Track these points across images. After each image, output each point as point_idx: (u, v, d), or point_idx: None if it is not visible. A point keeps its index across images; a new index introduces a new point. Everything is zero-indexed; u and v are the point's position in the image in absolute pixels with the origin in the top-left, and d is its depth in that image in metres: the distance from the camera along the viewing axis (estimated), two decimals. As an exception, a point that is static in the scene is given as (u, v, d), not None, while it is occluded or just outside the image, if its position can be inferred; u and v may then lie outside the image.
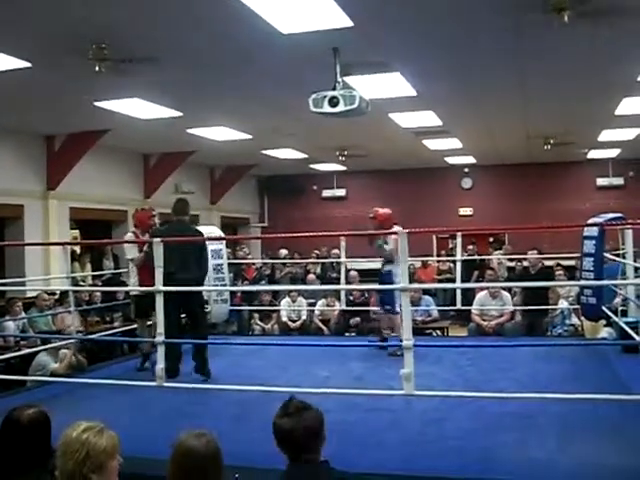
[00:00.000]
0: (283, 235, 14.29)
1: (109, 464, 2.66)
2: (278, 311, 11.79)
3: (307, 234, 7.50)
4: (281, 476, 2.85)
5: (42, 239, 11.92)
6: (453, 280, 12.92)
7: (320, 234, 13.08)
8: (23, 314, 9.49)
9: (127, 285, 7.92)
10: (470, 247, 14.96)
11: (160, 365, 5.57)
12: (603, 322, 8.87)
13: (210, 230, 10.52)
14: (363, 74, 8.30)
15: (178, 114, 10.54)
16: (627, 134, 13.56)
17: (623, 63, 8.09)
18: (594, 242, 7.41)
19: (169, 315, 6.19)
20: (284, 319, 11.49)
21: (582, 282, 7.99)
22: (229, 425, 5.24)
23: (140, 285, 7.42)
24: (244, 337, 10.51)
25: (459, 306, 9.81)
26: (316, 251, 15.67)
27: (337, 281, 11.56)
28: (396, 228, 7.77)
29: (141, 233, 7.86)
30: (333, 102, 7.56)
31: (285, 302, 11.59)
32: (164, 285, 5.94)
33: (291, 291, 11.63)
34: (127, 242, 7.95)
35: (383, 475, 3.89)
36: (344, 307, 10.94)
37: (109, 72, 7.24)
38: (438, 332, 11.25)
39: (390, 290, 7.70)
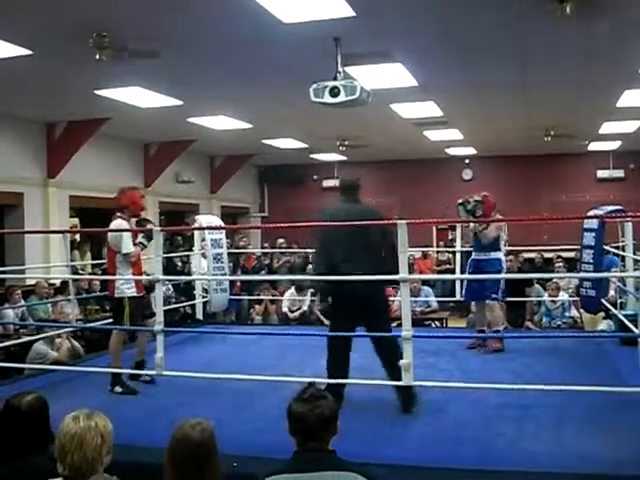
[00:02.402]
0: (283, 225, 14.29)
1: (112, 443, 2.75)
2: (277, 301, 11.81)
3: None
4: (287, 462, 2.86)
5: (42, 227, 11.92)
6: (452, 271, 12.91)
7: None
8: (22, 302, 9.50)
9: (113, 285, 6.34)
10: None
11: (159, 354, 5.58)
12: (602, 314, 8.89)
13: (210, 219, 10.53)
14: (364, 64, 8.28)
15: (178, 103, 10.52)
16: (628, 126, 13.54)
17: (625, 55, 8.07)
18: (594, 234, 7.40)
19: (336, 326, 5.63)
20: (285, 309, 11.49)
21: (581, 274, 7.99)
22: (228, 414, 5.26)
23: (135, 284, 6.37)
24: (244, 327, 10.54)
25: (458, 297, 9.80)
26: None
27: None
28: (498, 216, 7.93)
29: (129, 217, 6.54)
30: (334, 92, 7.54)
31: (290, 293, 11.59)
32: (323, 283, 5.50)
33: (294, 282, 11.62)
34: (138, 230, 6.46)
35: (382, 465, 3.90)
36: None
37: (109, 60, 7.21)
38: (437, 323, 11.27)
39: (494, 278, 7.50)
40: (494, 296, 7.58)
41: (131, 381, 6.24)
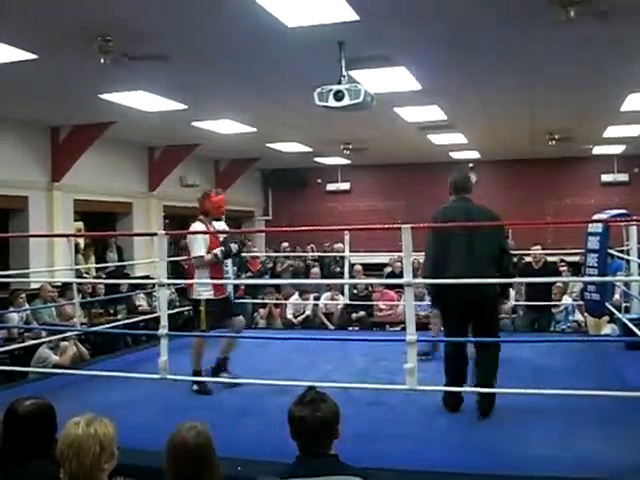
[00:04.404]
0: (288, 229, 14.30)
1: (115, 449, 2.72)
2: (281, 305, 11.81)
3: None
4: (289, 467, 2.85)
5: (46, 231, 11.93)
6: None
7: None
8: (27, 305, 9.52)
9: (192, 286, 6.35)
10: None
11: (163, 357, 5.58)
12: (606, 318, 8.87)
13: (214, 223, 10.51)
14: (368, 68, 8.29)
15: (183, 107, 10.53)
16: (632, 130, 13.51)
17: (629, 59, 8.06)
18: (598, 238, 7.40)
19: (450, 330, 5.59)
20: (289, 316, 11.48)
21: (586, 278, 7.98)
22: (232, 418, 5.27)
23: (214, 287, 6.33)
24: (248, 330, 10.52)
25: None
26: (311, 245, 15.67)
27: (341, 275, 11.57)
28: None
29: (210, 221, 6.58)
30: (338, 96, 7.55)
31: (294, 298, 11.59)
32: (431, 286, 5.48)
33: (299, 288, 11.62)
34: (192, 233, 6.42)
35: (386, 469, 3.90)
36: (347, 301, 10.97)
37: (114, 65, 7.24)
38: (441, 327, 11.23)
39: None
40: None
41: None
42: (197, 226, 6.46)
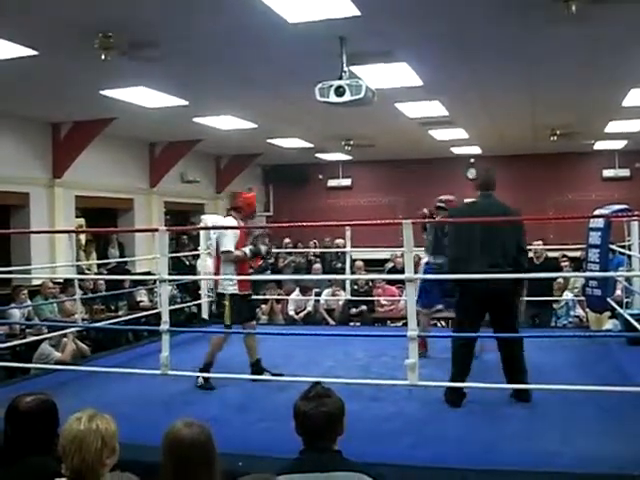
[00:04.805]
0: (290, 225, 14.29)
1: (116, 445, 2.72)
2: (283, 301, 11.82)
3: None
4: (293, 462, 2.86)
5: (47, 227, 11.92)
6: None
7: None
8: (29, 302, 9.52)
9: (209, 281, 6.41)
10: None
11: (165, 353, 5.58)
12: (608, 314, 8.87)
13: (215, 219, 10.51)
14: (369, 64, 8.27)
15: (184, 103, 10.52)
16: (634, 125, 13.48)
17: (630, 54, 8.04)
18: (600, 234, 7.39)
19: (462, 324, 5.60)
20: (291, 313, 11.49)
21: (587, 273, 7.98)
22: (234, 413, 5.27)
23: (239, 283, 6.40)
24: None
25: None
26: (314, 240, 15.68)
27: (342, 271, 11.58)
28: None
29: (242, 219, 6.69)
30: (339, 92, 7.54)
31: (295, 294, 11.60)
32: (451, 281, 5.48)
33: (300, 284, 11.63)
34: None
35: (387, 465, 3.90)
36: (349, 297, 10.98)
37: (115, 61, 7.23)
38: (443, 323, 11.25)
39: None
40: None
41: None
42: (229, 221, 6.66)
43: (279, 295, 11.96)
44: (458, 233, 5.51)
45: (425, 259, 7.53)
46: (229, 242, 6.33)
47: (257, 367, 6.50)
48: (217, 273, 6.53)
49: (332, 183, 20.01)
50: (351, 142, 15.37)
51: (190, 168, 16.23)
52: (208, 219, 10.40)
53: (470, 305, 5.43)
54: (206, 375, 6.13)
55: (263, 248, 6.70)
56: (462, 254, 5.41)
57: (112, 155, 13.69)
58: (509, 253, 5.39)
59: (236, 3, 6.21)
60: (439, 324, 11.14)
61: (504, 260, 5.33)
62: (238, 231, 6.44)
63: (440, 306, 8.01)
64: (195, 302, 10.38)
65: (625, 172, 17.79)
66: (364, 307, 11.37)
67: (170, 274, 6.81)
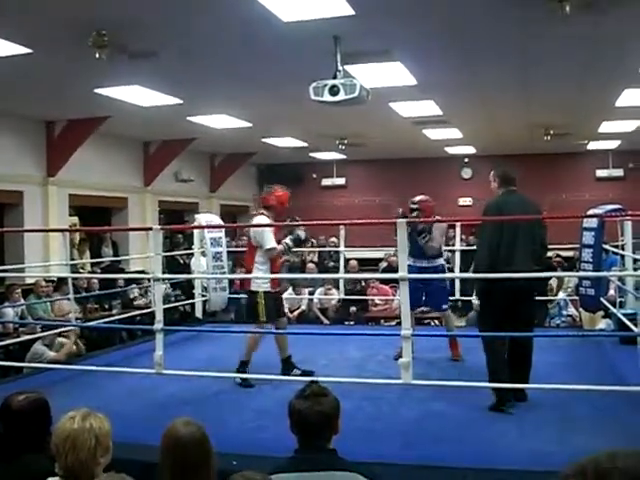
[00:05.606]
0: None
1: (110, 443, 2.72)
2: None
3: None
4: (288, 461, 2.85)
5: (41, 226, 11.90)
6: (451, 270, 12.93)
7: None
8: (22, 300, 9.50)
9: (241, 279, 6.43)
10: (471, 237, 14.94)
11: (159, 352, 5.57)
12: (601, 313, 8.89)
13: (209, 218, 10.51)
14: (364, 63, 8.27)
15: (178, 102, 10.51)
16: (627, 126, 13.54)
17: (624, 54, 8.06)
18: (593, 233, 7.40)
19: (486, 323, 5.49)
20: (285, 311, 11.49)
21: (581, 273, 7.99)
22: (228, 412, 5.27)
23: (272, 280, 6.48)
24: (243, 325, 10.52)
25: (457, 296, 9.80)
26: (312, 240, 15.68)
27: (335, 270, 11.59)
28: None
29: (274, 217, 6.66)
30: (333, 91, 7.54)
31: (288, 294, 11.59)
32: (480, 280, 5.44)
33: (293, 283, 11.62)
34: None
35: (381, 464, 3.90)
36: (343, 296, 10.98)
37: (109, 59, 7.20)
38: (436, 322, 11.26)
39: None
40: (445, 307, 7.46)
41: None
42: (261, 219, 6.56)
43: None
44: (498, 231, 5.35)
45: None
46: (270, 239, 6.35)
47: (287, 364, 6.54)
48: (250, 271, 6.53)
49: (326, 182, 20.02)
50: (345, 141, 15.37)
51: (184, 167, 16.22)
52: (202, 218, 10.39)
53: (503, 303, 5.33)
54: (200, 374, 6.13)
55: (301, 233, 6.72)
56: (503, 252, 5.28)
57: (106, 154, 13.66)
58: (536, 249, 5.41)
59: (231, 2, 6.21)
60: (432, 323, 11.17)
61: (533, 256, 5.34)
62: (273, 228, 6.48)
63: (424, 308, 8.09)
64: (189, 301, 10.37)
65: (619, 172, 17.86)
66: (353, 308, 11.38)
67: (164, 273, 6.79)
